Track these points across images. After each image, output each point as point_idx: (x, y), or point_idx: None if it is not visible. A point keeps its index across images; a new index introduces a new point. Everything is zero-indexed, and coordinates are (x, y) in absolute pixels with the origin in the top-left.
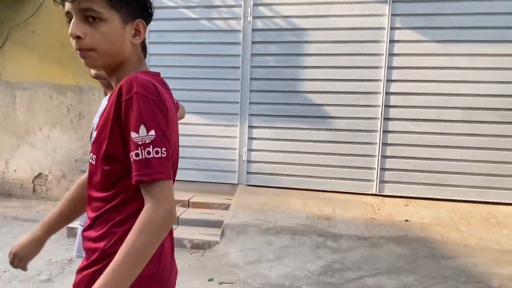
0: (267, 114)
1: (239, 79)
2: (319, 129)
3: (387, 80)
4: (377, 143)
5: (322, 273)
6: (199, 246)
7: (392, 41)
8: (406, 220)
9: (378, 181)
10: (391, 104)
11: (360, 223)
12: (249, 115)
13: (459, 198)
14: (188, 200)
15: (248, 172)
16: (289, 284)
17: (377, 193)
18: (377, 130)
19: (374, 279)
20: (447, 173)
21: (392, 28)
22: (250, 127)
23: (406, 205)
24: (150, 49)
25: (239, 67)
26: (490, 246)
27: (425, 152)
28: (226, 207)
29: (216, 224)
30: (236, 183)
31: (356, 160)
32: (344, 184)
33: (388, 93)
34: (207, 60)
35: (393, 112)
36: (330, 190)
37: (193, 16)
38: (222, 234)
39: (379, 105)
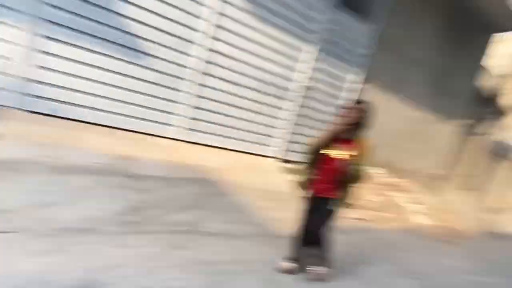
0: (71, 26)
1: None
2: (136, 64)
3: (213, 38)
4: (191, 92)
5: (125, 213)
6: None
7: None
8: (201, 164)
9: (188, 128)
10: (212, 61)
11: (163, 165)
12: (43, 19)
13: (239, 149)
14: None
15: (30, 95)
16: (87, 227)
17: (182, 139)
18: (196, 82)
19: (174, 215)
20: (233, 128)
21: None
22: (43, 36)
23: (202, 152)
24: None
25: None
26: (257, 187)
27: (221, 108)
28: None
29: None
30: (10, 105)
31: (168, 105)
32: (151, 126)
33: (212, 50)
34: None
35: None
36: (135, 131)
37: None
38: None
39: (203, 59)
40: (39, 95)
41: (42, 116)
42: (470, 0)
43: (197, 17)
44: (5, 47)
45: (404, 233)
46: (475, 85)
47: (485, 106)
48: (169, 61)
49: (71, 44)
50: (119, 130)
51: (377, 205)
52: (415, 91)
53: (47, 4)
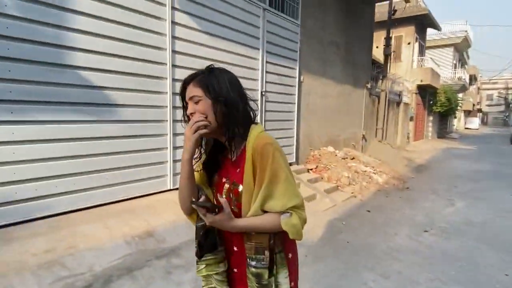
0: (13, 99)
1: None
2: (102, 121)
3: (173, 65)
4: (167, 134)
5: None
6: None
7: (174, 22)
8: None
9: (171, 175)
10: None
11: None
12: None
13: None
14: None
15: None
16: None
17: (172, 187)
18: (167, 120)
19: None
20: None
21: (174, 8)
22: None
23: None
24: None
25: None
26: None
27: None
28: None
29: None
30: None
31: (149, 156)
32: (142, 186)
33: (175, 80)
34: None
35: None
36: (124, 199)
37: None
38: None
39: (167, 92)
40: None
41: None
42: None
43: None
44: None
45: (381, 192)
46: (369, 53)
47: (379, 69)
48: (137, 106)
49: (18, 122)
50: (112, 205)
51: (350, 179)
52: (334, 70)
53: None
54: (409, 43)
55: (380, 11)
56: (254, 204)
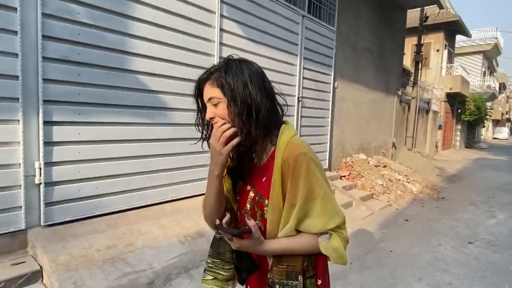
0: (81, 101)
1: (16, 32)
2: (158, 124)
3: None
4: None
5: None
6: None
7: (222, 30)
8: None
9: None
10: None
11: None
12: (44, 101)
13: None
14: None
15: (47, 204)
16: None
17: None
18: None
19: None
20: None
21: (222, 16)
22: (47, 123)
23: None
24: None
25: (15, 9)
26: None
27: None
28: (31, 278)
29: None
30: (23, 228)
31: (196, 158)
32: (187, 188)
33: None
34: None
35: None
36: (174, 199)
37: None
38: None
39: None
40: (56, 200)
41: (64, 226)
42: None
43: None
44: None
45: (416, 201)
46: (400, 59)
47: (408, 76)
48: (186, 110)
49: (83, 124)
50: (167, 204)
51: (384, 188)
52: (367, 76)
53: (46, 80)
54: (438, 50)
55: (410, 17)
56: (288, 225)
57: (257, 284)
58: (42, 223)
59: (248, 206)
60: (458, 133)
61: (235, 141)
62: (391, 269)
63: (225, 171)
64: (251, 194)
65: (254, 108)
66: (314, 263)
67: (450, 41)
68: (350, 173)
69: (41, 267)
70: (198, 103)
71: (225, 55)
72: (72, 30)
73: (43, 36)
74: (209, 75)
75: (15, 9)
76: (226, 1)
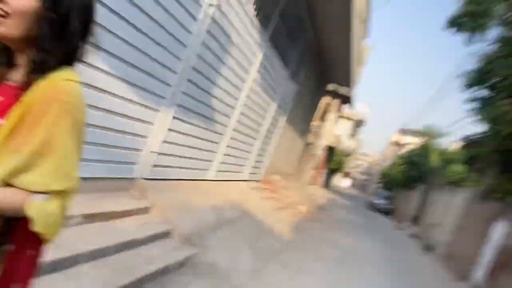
0: (191, 109)
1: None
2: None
3: (243, 107)
4: (224, 143)
5: None
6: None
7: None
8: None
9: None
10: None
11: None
12: (177, 105)
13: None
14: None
15: (154, 165)
16: None
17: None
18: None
19: None
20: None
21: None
22: (175, 118)
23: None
24: None
25: (186, 47)
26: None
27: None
28: (145, 210)
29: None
30: (133, 177)
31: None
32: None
33: (242, 114)
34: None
35: None
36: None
37: None
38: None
39: (237, 120)
40: (159, 164)
41: (159, 181)
42: (327, 56)
43: (238, 92)
44: (140, 126)
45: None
46: (311, 117)
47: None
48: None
49: (183, 121)
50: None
51: (292, 202)
52: (296, 122)
53: (184, 93)
54: (332, 111)
55: None
56: None
57: None
58: (147, 177)
59: None
60: (323, 175)
61: None
62: None
63: None
64: None
65: (63, 20)
66: (13, 229)
67: (340, 107)
68: (270, 188)
69: (147, 206)
70: None
71: None
72: (207, 69)
73: (193, 68)
74: None
75: (186, 46)
76: None
